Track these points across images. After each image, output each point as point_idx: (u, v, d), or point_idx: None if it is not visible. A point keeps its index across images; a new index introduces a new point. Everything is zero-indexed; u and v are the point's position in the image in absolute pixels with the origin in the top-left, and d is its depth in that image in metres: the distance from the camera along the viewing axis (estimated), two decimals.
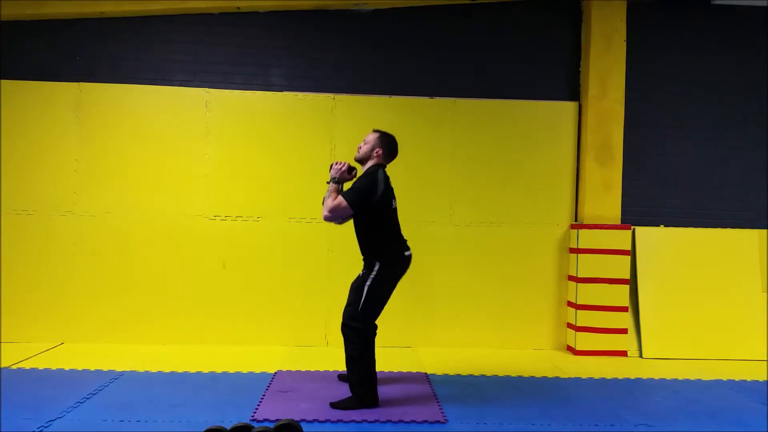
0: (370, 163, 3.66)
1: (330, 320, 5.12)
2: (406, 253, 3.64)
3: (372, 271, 3.51)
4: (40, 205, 5.07)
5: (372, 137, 3.70)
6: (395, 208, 3.71)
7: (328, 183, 3.59)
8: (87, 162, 5.10)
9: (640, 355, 5.11)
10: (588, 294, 5.07)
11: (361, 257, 3.66)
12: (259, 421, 3.21)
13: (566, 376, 4.36)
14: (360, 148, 3.72)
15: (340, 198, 3.43)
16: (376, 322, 3.59)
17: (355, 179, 3.63)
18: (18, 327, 4.99)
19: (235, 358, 4.60)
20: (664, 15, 5.42)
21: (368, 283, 3.49)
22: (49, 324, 5.02)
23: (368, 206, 3.49)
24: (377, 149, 3.65)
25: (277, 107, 5.20)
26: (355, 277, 3.69)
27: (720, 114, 5.46)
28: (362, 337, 3.45)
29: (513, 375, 4.35)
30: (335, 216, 3.46)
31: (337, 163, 3.62)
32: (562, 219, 5.34)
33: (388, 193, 3.60)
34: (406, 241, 3.70)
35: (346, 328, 3.50)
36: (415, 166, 5.24)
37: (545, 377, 4.33)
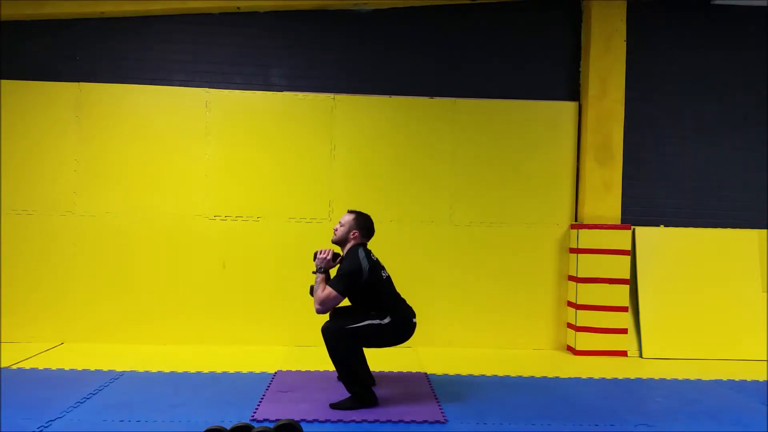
0: (348, 245, 3.66)
1: None
2: (414, 321, 3.62)
3: (382, 318, 3.47)
4: (40, 205, 5.07)
5: (347, 219, 3.70)
6: (388, 277, 3.68)
7: (314, 273, 3.58)
8: (87, 162, 5.10)
9: (640, 355, 5.11)
10: (588, 294, 5.07)
11: None
12: (259, 421, 3.21)
13: (566, 376, 4.36)
14: (336, 230, 3.71)
15: (329, 289, 3.42)
16: None
17: (339, 264, 3.63)
18: (18, 327, 4.99)
19: (235, 358, 4.60)
20: (664, 15, 5.42)
21: (372, 321, 3.45)
22: (49, 324, 5.02)
23: (358, 288, 3.48)
24: (353, 231, 3.65)
25: (277, 107, 5.20)
26: None
27: (720, 114, 5.46)
28: (339, 339, 3.40)
29: (513, 375, 4.35)
30: (327, 308, 3.45)
31: (321, 252, 3.62)
32: (562, 219, 5.34)
33: (375, 267, 3.57)
34: (412, 309, 3.67)
35: (325, 331, 3.42)
36: (415, 166, 5.24)
37: (545, 377, 4.33)
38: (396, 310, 3.56)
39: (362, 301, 3.58)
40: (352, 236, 3.66)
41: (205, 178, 5.15)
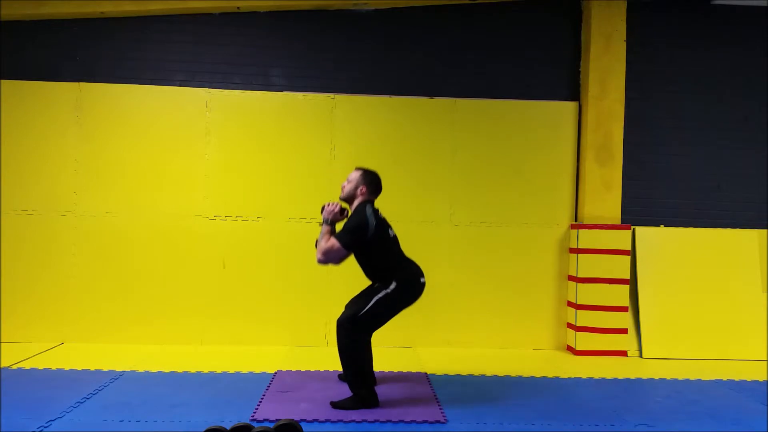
0: (356, 202, 3.66)
1: (330, 320, 5.12)
2: (422, 280, 3.62)
3: (388, 287, 3.49)
4: (40, 205, 5.07)
5: (355, 176, 3.70)
6: (395, 237, 3.69)
7: (320, 225, 3.59)
8: (87, 162, 5.10)
9: (640, 355, 5.11)
10: (588, 294, 5.07)
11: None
12: (259, 421, 3.21)
13: (566, 376, 4.36)
14: (344, 187, 3.72)
15: (333, 240, 3.43)
16: None
17: (346, 219, 3.64)
18: (18, 327, 4.99)
19: (235, 358, 4.60)
20: (664, 15, 5.42)
21: (379, 295, 3.48)
22: (49, 324, 5.02)
23: (363, 244, 3.49)
24: (361, 187, 3.65)
25: (277, 107, 5.20)
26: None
27: (720, 114, 5.46)
28: (352, 335, 3.45)
29: (513, 375, 4.35)
30: (329, 258, 3.46)
31: (328, 205, 3.62)
32: (562, 219, 5.34)
33: (382, 225, 3.59)
34: (420, 268, 3.67)
35: (339, 325, 3.49)
36: (415, 166, 5.24)
37: (545, 377, 4.33)
38: (401, 271, 3.57)
39: (367, 260, 3.58)
40: (359, 192, 3.65)
41: (205, 178, 5.15)
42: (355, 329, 3.45)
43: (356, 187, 3.66)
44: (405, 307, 3.62)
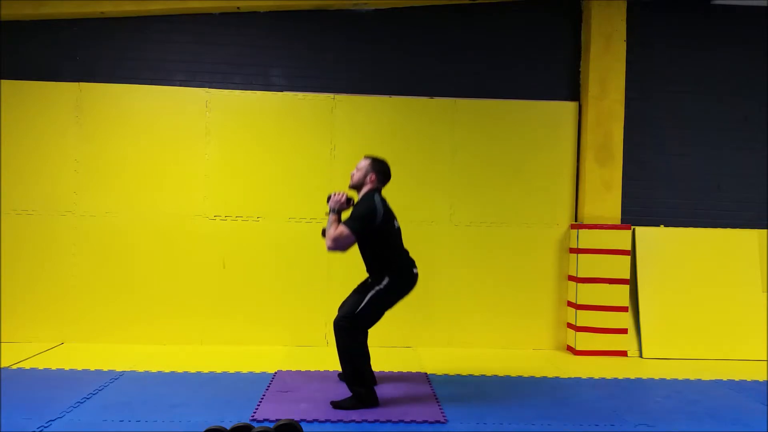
0: (364, 189, 3.66)
1: (330, 320, 5.06)
2: (414, 271, 3.66)
3: (380, 283, 3.52)
4: (40, 205, 5.07)
5: (364, 164, 3.70)
6: (398, 228, 3.71)
7: (327, 214, 3.59)
8: (87, 162, 5.10)
9: (640, 355, 5.11)
10: (588, 294, 5.07)
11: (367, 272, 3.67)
12: (259, 421, 3.21)
13: (566, 376, 4.36)
14: (353, 175, 3.72)
15: (342, 227, 3.43)
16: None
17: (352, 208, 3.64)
18: (18, 327, 4.99)
19: (235, 358, 4.60)
20: (664, 15, 5.42)
21: (373, 292, 3.50)
22: (49, 324, 5.02)
23: (370, 231, 3.49)
24: (370, 175, 3.66)
25: (277, 107, 5.20)
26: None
27: (720, 114, 5.46)
28: (351, 334, 3.47)
29: (513, 375, 4.35)
30: (338, 246, 3.46)
31: (335, 194, 3.63)
32: (562, 219, 5.34)
33: (389, 215, 3.61)
34: (413, 260, 3.71)
35: (337, 325, 3.51)
36: (415, 166, 5.24)
37: (545, 377, 4.33)
38: (396, 265, 3.59)
39: (370, 249, 3.59)
40: (369, 180, 3.65)
41: (205, 178, 5.15)
42: (353, 326, 3.46)
43: (365, 175, 3.66)
44: (399, 299, 3.64)
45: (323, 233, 3.57)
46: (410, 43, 5.34)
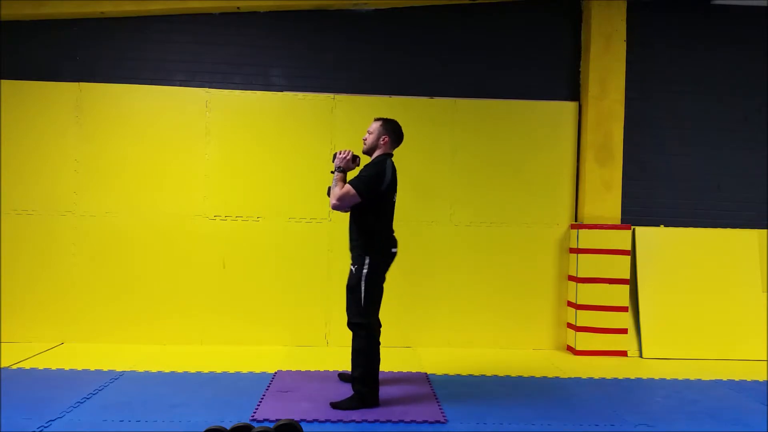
0: (377, 153, 3.66)
1: (330, 320, 5.13)
2: (393, 250, 3.66)
3: (363, 266, 3.49)
4: (40, 205, 5.07)
5: (375, 126, 3.69)
6: (394, 203, 3.70)
7: (332, 173, 3.58)
8: (87, 162, 5.10)
9: (640, 355, 5.11)
10: (588, 294, 5.07)
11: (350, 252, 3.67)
12: (259, 421, 3.21)
13: (566, 376, 4.36)
14: (365, 139, 3.71)
15: (348, 186, 3.43)
16: (380, 320, 3.61)
17: (360, 168, 3.63)
18: (18, 327, 4.99)
19: (235, 358, 4.60)
20: (664, 15, 5.42)
21: (364, 280, 3.49)
22: (49, 324, 5.02)
23: (374, 195, 3.48)
24: (383, 137, 3.65)
25: (277, 107, 5.20)
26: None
27: (720, 114, 5.46)
28: (368, 330, 3.49)
29: (513, 375, 4.35)
30: (343, 204, 3.45)
31: (341, 152, 3.61)
32: (562, 219, 5.34)
33: (393, 185, 3.59)
34: (395, 238, 3.70)
35: (352, 324, 3.54)
36: (415, 166, 5.24)
37: (545, 377, 4.33)
38: (378, 245, 3.54)
39: (358, 219, 3.55)
40: (382, 141, 3.65)
41: (205, 178, 5.15)
42: (368, 320, 3.48)
43: (378, 137, 3.65)
44: (385, 272, 3.61)
45: (328, 192, 3.55)
46: (410, 43, 5.34)
